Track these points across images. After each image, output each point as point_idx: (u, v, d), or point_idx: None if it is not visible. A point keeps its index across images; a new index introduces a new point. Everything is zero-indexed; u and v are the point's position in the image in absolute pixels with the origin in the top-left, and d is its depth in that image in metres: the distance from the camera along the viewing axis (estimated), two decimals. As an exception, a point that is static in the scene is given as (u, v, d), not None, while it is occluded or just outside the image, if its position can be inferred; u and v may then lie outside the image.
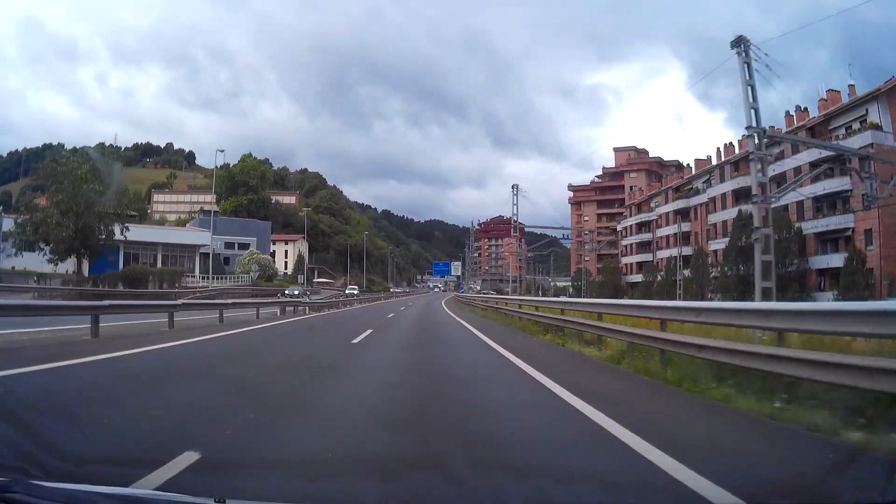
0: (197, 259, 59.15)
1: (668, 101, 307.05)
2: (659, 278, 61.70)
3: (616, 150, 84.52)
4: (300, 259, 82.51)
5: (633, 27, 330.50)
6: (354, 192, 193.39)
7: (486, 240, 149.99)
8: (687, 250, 56.20)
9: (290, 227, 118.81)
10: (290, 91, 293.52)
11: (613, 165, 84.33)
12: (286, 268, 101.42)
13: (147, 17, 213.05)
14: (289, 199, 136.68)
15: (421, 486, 3.34)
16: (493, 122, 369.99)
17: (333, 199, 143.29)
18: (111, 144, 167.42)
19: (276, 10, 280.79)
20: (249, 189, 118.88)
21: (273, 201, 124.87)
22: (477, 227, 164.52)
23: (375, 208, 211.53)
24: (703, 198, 59.11)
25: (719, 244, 53.13)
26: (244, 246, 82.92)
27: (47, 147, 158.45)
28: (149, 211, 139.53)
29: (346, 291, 61.36)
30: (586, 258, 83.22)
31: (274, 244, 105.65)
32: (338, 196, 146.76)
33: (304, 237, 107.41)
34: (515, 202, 70.96)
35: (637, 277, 71.83)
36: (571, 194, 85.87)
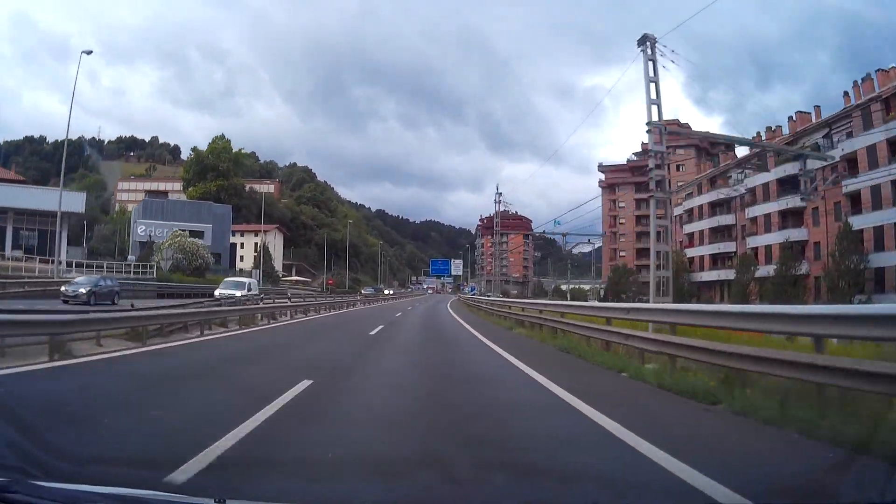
0: (62, 234, 41.22)
1: (665, 104, 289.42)
2: (757, 274, 45.73)
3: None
4: (266, 251, 66.72)
5: (632, 28, 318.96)
6: (349, 194, 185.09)
7: (490, 237, 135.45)
8: (798, 234, 41.08)
9: (267, 218, 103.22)
10: (284, 91, 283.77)
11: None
12: (255, 262, 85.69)
13: (139, 15, 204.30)
14: (267, 188, 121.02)
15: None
16: (489, 124, 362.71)
17: (319, 190, 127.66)
18: (94, 137, 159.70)
19: (269, 8, 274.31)
20: (219, 174, 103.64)
21: (247, 189, 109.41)
22: (479, 223, 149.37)
23: (369, 207, 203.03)
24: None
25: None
26: (198, 234, 67.25)
27: (28, 139, 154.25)
28: (112, 201, 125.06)
29: (291, 293, 45.22)
30: (622, 253, 68.17)
31: (242, 235, 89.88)
32: (325, 188, 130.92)
33: (277, 227, 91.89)
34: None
35: (711, 275, 56.23)
36: (602, 176, 70.88)
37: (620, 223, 70.25)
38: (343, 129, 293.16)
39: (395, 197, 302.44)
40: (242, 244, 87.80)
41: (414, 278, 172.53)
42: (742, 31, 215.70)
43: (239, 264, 77.72)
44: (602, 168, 71.44)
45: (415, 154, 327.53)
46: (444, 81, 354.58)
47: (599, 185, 67.82)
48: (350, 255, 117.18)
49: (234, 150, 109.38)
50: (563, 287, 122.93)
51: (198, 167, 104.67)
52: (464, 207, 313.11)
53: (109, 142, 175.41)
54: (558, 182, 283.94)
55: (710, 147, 69.68)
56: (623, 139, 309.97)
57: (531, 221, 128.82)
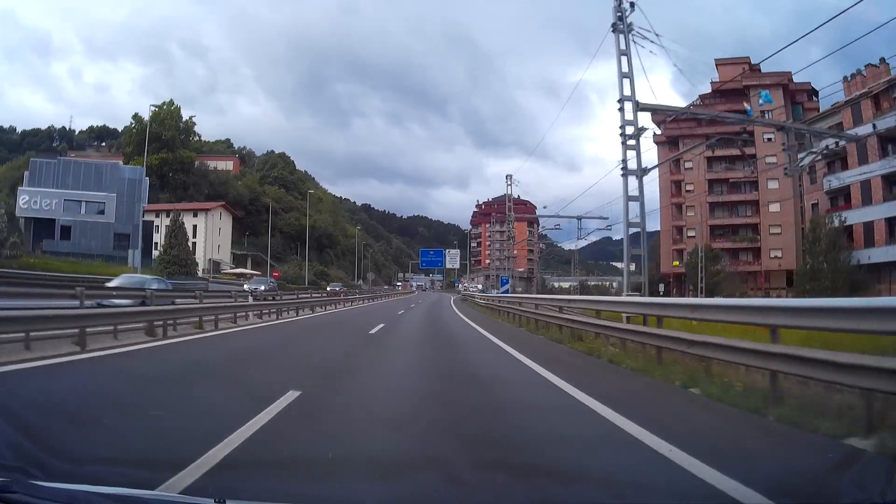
0: None
1: (654, 99, 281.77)
2: None
3: (720, 62, 51.72)
4: (181, 231, 47.75)
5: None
6: (334, 191, 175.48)
7: (488, 225, 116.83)
8: None
9: (219, 198, 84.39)
10: (268, 87, 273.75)
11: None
12: (193, 249, 66.65)
13: (121, 11, 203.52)
14: (224, 165, 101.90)
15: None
16: (475, 121, 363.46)
17: (289, 170, 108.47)
18: (64, 127, 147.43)
19: (250, 2, 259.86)
20: (163, 145, 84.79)
21: (196, 164, 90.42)
22: (476, 209, 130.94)
23: (354, 202, 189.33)
24: None
25: None
26: (96, 208, 48.44)
27: None
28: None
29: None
30: (690, 232, 50.29)
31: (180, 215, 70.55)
32: (293, 167, 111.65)
33: (222, 206, 73.14)
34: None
35: (890, 251, 37.61)
36: (658, 130, 52.65)
37: (687, 191, 52.19)
38: (328, 127, 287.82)
39: (382, 195, 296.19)
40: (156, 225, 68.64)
41: (401, 275, 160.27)
42: (734, 26, 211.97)
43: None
44: (658, 117, 53.07)
45: (401, 151, 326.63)
46: (429, 78, 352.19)
47: (655, 142, 50.42)
48: (324, 246, 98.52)
49: (183, 119, 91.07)
50: (565, 284, 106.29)
51: (139, 137, 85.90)
52: (451, 205, 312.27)
53: (80, 132, 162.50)
54: (546, 181, 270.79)
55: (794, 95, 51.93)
56: (611, 135, 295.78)
57: (535, 208, 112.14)
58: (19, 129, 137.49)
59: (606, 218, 40.38)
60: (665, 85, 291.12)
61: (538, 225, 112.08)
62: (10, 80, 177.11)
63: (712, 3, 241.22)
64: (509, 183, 47.44)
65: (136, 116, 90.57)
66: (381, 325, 17.63)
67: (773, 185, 46.98)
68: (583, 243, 61.73)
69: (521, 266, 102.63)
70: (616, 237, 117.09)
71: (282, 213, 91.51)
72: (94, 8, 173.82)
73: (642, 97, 19.29)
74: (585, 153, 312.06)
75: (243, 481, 3.45)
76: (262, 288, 34.64)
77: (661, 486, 3.54)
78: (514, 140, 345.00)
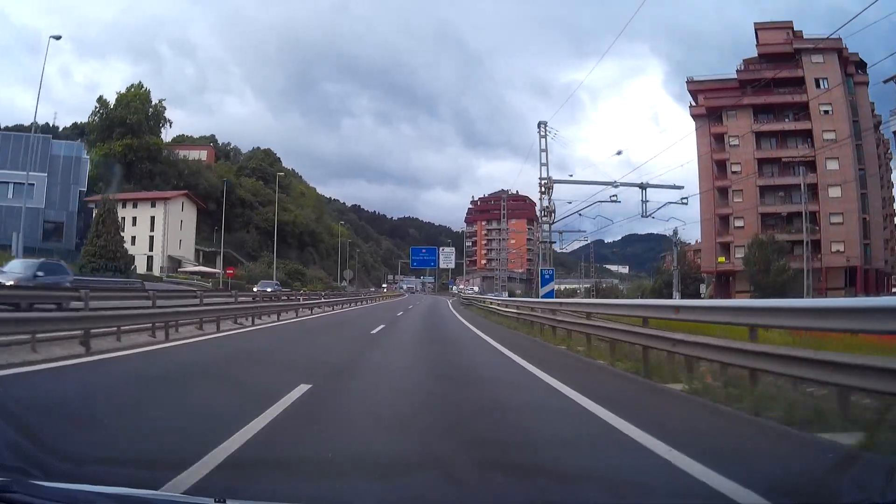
0: None
1: (645, 100, 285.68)
2: None
3: (760, 26, 44.22)
4: (110, 215, 39.44)
5: (612, 22, 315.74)
6: (324, 191, 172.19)
7: (484, 223, 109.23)
8: None
9: (193, 190, 76.25)
10: (257, 87, 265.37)
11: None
12: (150, 245, 58.71)
13: (111, 10, 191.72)
14: (197, 154, 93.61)
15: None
16: (465, 121, 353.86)
17: (269, 161, 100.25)
18: (47, 123, 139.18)
19: (240, 1, 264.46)
20: (128, 130, 76.79)
21: (165, 153, 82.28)
22: (471, 205, 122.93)
23: (344, 202, 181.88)
24: None
25: None
26: (21, 191, 40.11)
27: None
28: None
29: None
30: (738, 222, 42.58)
31: (135, 206, 62.35)
32: (275, 160, 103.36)
33: (185, 195, 64.93)
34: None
35: None
36: (695, 101, 45.12)
37: (733, 172, 44.04)
38: (317, 126, 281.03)
39: (371, 195, 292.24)
40: (134, 218, 60.33)
41: (391, 276, 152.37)
42: (727, 25, 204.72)
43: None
44: (694, 85, 45.31)
45: (390, 152, 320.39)
46: (418, 77, 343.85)
47: (692, 115, 42.64)
48: (305, 244, 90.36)
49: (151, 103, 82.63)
50: (573, 286, 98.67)
51: (106, 123, 78.15)
52: (441, 207, 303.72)
53: (64, 128, 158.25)
54: (533, 180, 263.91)
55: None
56: (602, 136, 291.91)
57: (535, 205, 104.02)
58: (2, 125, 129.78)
59: (682, 187, 32.43)
60: (657, 85, 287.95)
61: (537, 223, 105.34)
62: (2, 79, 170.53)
63: (704, 1, 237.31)
64: (542, 134, 31.87)
65: (100, 100, 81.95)
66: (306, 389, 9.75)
67: (832, 165, 39.44)
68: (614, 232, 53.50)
69: (519, 267, 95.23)
70: (608, 240, 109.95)
71: (258, 207, 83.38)
72: (85, 6, 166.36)
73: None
74: (575, 154, 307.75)
75: (243, 481, 3.43)
76: (269, 290, 34.42)
77: None
78: (503, 140, 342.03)
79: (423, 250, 72.14)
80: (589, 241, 77.32)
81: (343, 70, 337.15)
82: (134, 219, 62.09)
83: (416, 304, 42.06)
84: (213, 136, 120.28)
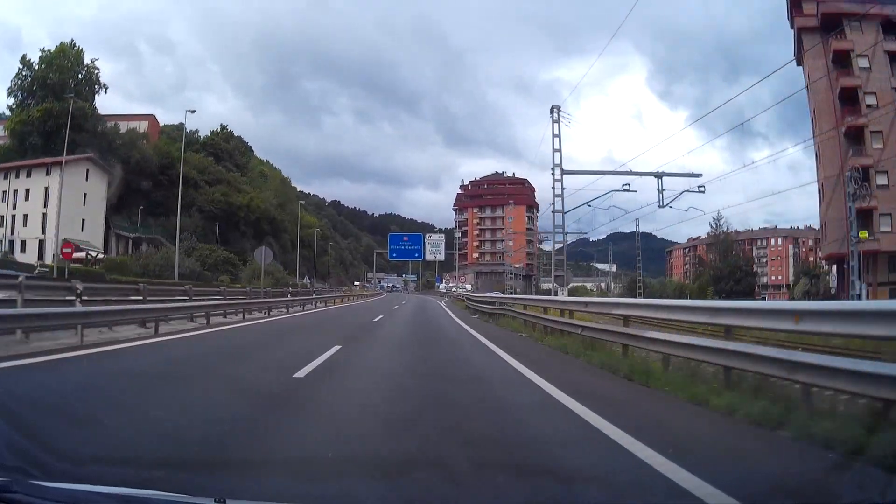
0: None
1: (629, 98, 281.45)
2: None
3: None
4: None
5: (595, 19, 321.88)
6: (306, 191, 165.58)
7: (476, 210, 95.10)
8: None
9: (125, 166, 61.77)
10: (236, 85, 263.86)
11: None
12: (43, 225, 44.47)
13: (89, 7, 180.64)
14: (138, 124, 78.72)
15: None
16: (446, 119, 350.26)
17: (223, 137, 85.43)
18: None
19: None
20: (50, 93, 63.11)
21: (95, 121, 67.23)
22: (461, 190, 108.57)
23: (324, 199, 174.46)
24: None
25: None
26: None
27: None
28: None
29: None
30: (879, 178, 29.17)
31: (28, 176, 47.74)
32: (231, 135, 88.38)
33: (88, 159, 50.53)
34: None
35: None
36: (797, 9, 31.80)
37: (868, 105, 30.23)
38: (297, 125, 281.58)
39: (353, 195, 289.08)
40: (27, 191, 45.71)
41: (370, 274, 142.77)
42: (712, 23, 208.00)
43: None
44: None
45: (372, 150, 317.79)
46: (399, 74, 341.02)
47: (797, 28, 29.64)
48: (263, 232, 75.89)
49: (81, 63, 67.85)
50: (567, 286, 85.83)
51: (26, 85, 64.51)
52: (424, 205, 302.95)
53: None
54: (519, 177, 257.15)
55: None
56: (586, 136, 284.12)
57: (534, 190, 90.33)
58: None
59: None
60: (640, 83, 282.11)
61: (536, 210, 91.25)
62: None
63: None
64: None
65: (24, 60, 66.98)
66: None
67: None
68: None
69: (517, 261, 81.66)
70: (594, 238, 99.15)
71: (204, 187, 68.74)
72: (63, 4, 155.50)
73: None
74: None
75: (243, 481, 3.38)
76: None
77: None
78: (485, 139, 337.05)
79: (405, 238, 57.80)
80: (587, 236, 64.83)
81: (322, 67, 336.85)
82: (27, 192, 47.52)
83: (396, 311, 28.60)
84: (181, 124, 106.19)
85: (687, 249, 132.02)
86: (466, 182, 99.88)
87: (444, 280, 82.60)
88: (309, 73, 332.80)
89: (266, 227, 74.05)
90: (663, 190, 29.77)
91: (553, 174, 30.53)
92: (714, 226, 48.42)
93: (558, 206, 31.60)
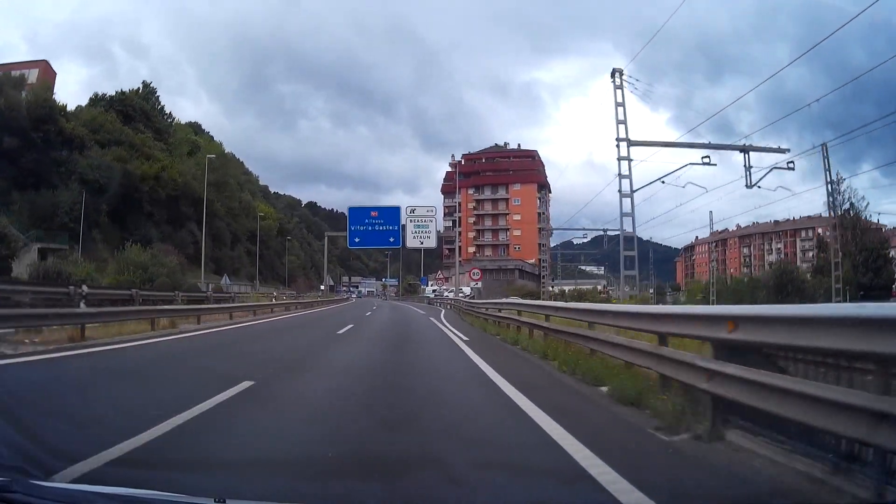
0: None
1: (609, 99, 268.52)
2: None
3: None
4: None
5: (574, 18, 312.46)
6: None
7: (472, 191, 74.70)
8: None
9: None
10: (210, 87, 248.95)
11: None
12: None
13: (62, 9, 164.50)
14: (26, 73, 58.70)
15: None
16: (422, 121, 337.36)
17: (143, 96, 65.25)
18: None
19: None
20: None
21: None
22: (451, 166, 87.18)
23: (300, 200, 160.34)
24: None
25: None
26: None
27: None
28: None
29: None
30: None
31: None
32: (153, 93, 68.10)
33: None
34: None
35: None
36: None
37: None
38: (272, 128, 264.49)
39: (331, 199, 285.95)
40: None
41: (346, 278, 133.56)
42: (693, 22, 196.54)
43: None
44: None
45: (348, 155, 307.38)
46: (373, 76, 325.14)
47: None
48: (184, 217, 56.27)
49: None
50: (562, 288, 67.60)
51: None
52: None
53: None
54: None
55: None
56: (566, 137, 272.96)
57: (544, 165, 71.47)
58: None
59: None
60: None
61: (549, 190, 71.50)
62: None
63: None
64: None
65: None
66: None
67: None
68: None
69: (529, 255, 62.73)
70: (577, 240, 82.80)
71: (94, 149, 48.77)
72: (36, 7, 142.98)
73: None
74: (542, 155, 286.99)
75: (243, 481, 3.31)
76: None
77: None
78: (462, 140, 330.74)
79: (373, 213, 37.03)
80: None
81: (296, 70, 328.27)
82: None
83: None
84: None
85: (714, 244, 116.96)
86: (458, 158, 79.30)
87: (435, 280, 63.56)
88: (283, 76, 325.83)
89: (187, 210, 54.28)
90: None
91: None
92: (833, 196, 31.41)
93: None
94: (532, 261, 62.47)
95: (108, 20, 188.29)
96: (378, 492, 3.25)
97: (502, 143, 76.79)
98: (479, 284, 38.81)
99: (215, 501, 2.09)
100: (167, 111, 68.95)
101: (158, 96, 67.91)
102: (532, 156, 69.93)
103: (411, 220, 36.38)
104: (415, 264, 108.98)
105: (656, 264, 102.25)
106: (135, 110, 60.25)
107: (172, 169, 52.87)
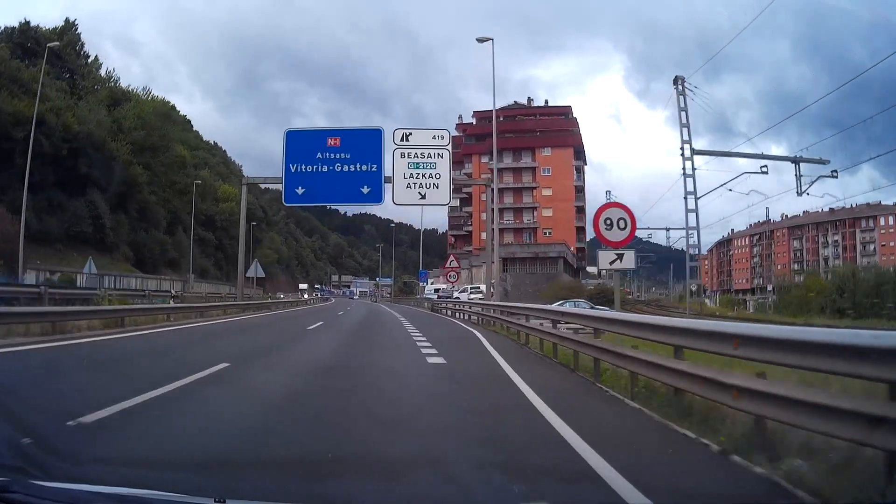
0: None
1: (607, 97, 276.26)
2: None
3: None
4: None
5: (570, 15, 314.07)
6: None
7: (485, 158, 56.39)
8: None
9: None
10: (204, 85, 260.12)
11: None
12: None
13: (56, 7, 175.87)
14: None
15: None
16: (418, 118, 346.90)
17: (65, 41, 49.99)
18: None
19: None
20: None
21: None
22: (456, 132, 69.44)
23: None
24: None
25: None
26: None
27: None
28: None
29: None
30: None
31: None
32: (78, 39, 52.79)
33: None
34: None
35: None
36: None
37: None
38: (267, 126, 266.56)
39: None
40: None
41: (336, 278, 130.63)
42: (693, 18, 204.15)
43: None
44: None
45: None
46: (368, 73, 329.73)
47: None
48: (88, 182, 41.19)
49: None
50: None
51: None
52: (399, 211, 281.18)
53: None
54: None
55: None
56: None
57: (578, 125, 55.21)
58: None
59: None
60: (618, 82, 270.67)
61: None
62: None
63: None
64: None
65: None
66: None
67: None
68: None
69: (566, 236, 47.15)
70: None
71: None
72: (29, 4, 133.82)
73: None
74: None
75: (243, 481, 3.31)
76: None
77: None
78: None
79: (333, 139, 21.53)
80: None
81: (291, 67, 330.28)
82: None
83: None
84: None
85: (756, 237, 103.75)
86: (468, 118, 62.70)
87: (432, 279, 48.70)
88: (277, 73, 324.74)
89: (97, 175, 38.82)
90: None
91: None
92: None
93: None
94: (572, 248, 46.82)
95: (101, 17, 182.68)
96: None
97: (524, 101, 60.99)
98: (508, 283, 24.31)
99: (215, 501, 2.06)
100: (96, 58, 53.84)
101: (83, 43, 52.76)
102: (566, 113, 54.33)
103: (404, 157, 21.32)
104: (412, 264, 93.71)
105: (661, 263, 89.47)
106: (40, 45, 45.15)
107: (72, 116, 37.73)
